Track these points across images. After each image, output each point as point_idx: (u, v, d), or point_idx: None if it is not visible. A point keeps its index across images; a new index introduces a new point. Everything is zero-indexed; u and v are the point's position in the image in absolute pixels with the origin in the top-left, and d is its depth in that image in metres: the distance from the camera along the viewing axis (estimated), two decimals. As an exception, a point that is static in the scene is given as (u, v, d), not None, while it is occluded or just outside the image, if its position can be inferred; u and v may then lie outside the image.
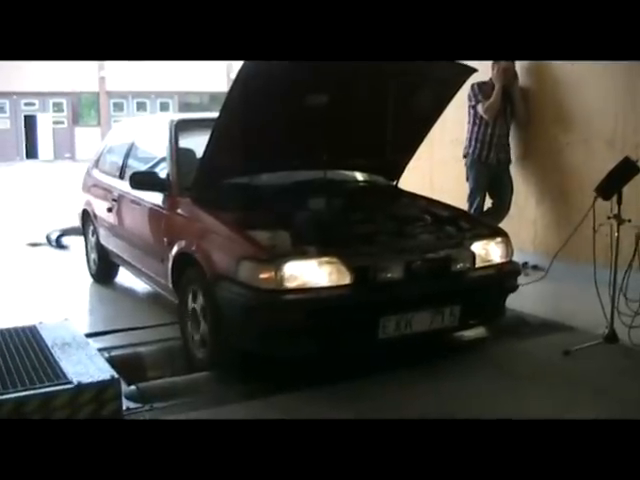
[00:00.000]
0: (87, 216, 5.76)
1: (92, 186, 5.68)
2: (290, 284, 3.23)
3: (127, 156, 5.09)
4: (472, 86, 5.61)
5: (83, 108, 28.48)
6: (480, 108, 5.68)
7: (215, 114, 3.77)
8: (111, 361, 3.29)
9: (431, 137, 4.60)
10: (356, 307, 3.32)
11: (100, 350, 3.47)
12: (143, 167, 4.74)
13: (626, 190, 3.85)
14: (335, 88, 3.82)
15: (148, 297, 5.15)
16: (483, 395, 3.34)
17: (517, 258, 4.08)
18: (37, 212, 9.84)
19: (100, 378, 2.79)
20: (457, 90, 4.25)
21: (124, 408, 2.97)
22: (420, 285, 3.47)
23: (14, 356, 3.03)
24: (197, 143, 4.09)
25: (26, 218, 9.29)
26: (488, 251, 3.79)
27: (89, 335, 3.85)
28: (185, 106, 27.50)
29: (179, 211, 3.99)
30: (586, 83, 5.26)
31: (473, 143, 5.78)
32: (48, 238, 7.37)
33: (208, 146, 3.70)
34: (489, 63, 5.61)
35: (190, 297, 3.72)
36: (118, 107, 27.59)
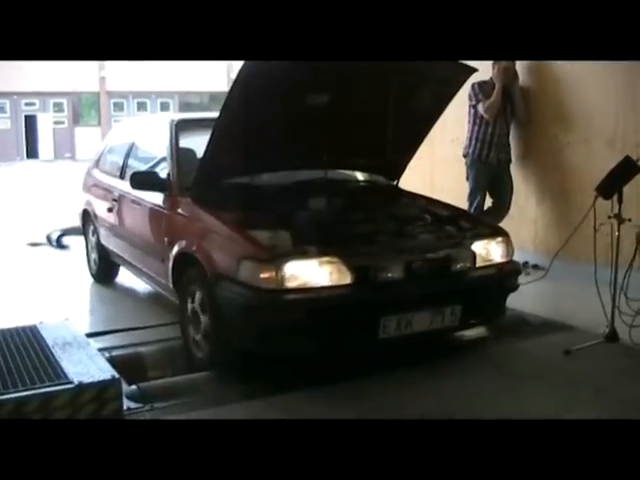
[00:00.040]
0: (87, 216, 5.76)
1: (92, 186, 5.68)
2: (291, 284, 3.23)
3: (127, 156, 5.09)
4: (472, 85, 5.61)
5: (83, 108, 28.47)
6: (480, 107, 5.68)
7: (215, 114, 3.77)
8: (112, 361, 3.29)
9: (432, 137, 4.60)
10: (357, 307, 3.32)
11: (101, 350, 3.47)
12: (143, 167, 4.74)
13: (627, 189, 3.85)
14: (335, 88, 3.82)
15: (149, 297, 5.15)
16: (484, 395, 3.34)
17: (517, 257, 4.08)
18: (37, 212, 9.84)
19: (101, 378, 2.79)
20: (457, 90, 4.25)
21: (125, 408, 2.97)
22: (421, 285, 3.47)
23: (15, 356, 3.03)
24: (197, 143, 4.09)
25: (26, 218, 9.29)
26: (489, 251, 3.79)
27: (90, 335, 3.86)
28: (185, 106, 27.50)
29: (180, 211, 3.99)
30: (586, 82, 5.26)
31: (473, 142, 5.78)
32: (49, 238, 7.37)
33: (208, 146, 3.70)
34: (489, 62, 5.61)
35: (190, 297, 3.72)
36: (118, 107, 27.59)
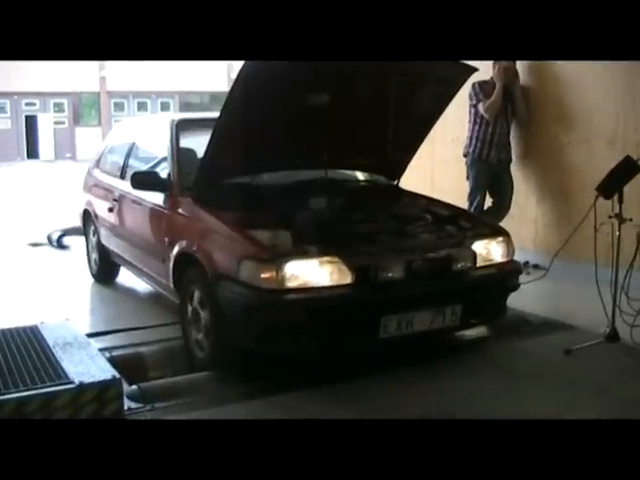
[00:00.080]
0: (88, 216, 5.76)
1: (93, 186, 5.68)
2: (291, 283, 3.23)
3: (128, 156, 5.09)
4: (473, 85, 5.61)
5: (84, 108, 28.48)
6: (481, 107, 5.68)
7: (216, 114, 3.77)
8: (112, 361, 3.30)
9: (432, 136, 4.60)
10: (357, 306, 3.32)
11: (101, 350, 3.47)
12: (144, 167, 4.75)
13: (627, 189, 3.85)
14: (336, 88, 3.81)
15: (149, 297, 5.15)
16: (484, 394, 3.34)
17: (518, 257, 4.08)
18: (38, 212, 9.84)
19: (101, 378, 2.80)
20: (458, 89, 4.25)
21: (125, 408, 2.97)
22: (421, 284, 3.47)
23: (16, 356, 3.03)
24: (198, 143, 4.09)
25: (27, 218, 9.29)
26: (489, 250, 3.79)
27: (90, 335, 3.86)
28: (186, 106, 27.50)
29: (180, 211, 3.99)
30: (587, 82, 5.26)
31: (474, 142, 5.78)
32: (49, 238, 7.37)
33: (209, 146, 3.70)
34: (490, 62, 5.60)
35: (191, 297, 3.72)
36: (119, 107, 27.59)
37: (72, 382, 2.74)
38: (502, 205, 5.79)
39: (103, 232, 5.38)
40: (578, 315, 4.34)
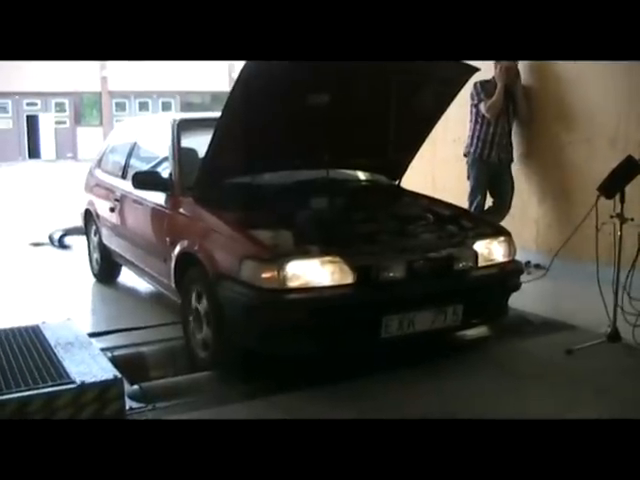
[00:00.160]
0: (90, 216, 5.76)
1: (94, 186, 5.69)
2: (292, 283, 3.23)
3: (129, 156, 5.09)
4: (474, 85, 5.61)
5: (85, 108, 28.50)
6: (482, 107, 5.68)
7: (217, 114, 3.77)
8: (114, 361, 3.30)
9: (433, 136, 4.60)
10: (358, 306, 3.32)
11: (103, 350, 3.47)
12: (145, 167, 4.75)
13: (629, 189, 3.84)
14: (337, 87, 3.81)
15: (151, 297, 5.16)
16: (485, 394, 3.34)
17: (519, 257, 4.08)
18: (40, 212, 9.85)
19: (103, 378, 2.80)
20: (459, 89, 4.24)
21: (127, 408, 2.97)
22: (423, 284, 3.47)
23: (17, 356, 3.04)
24: (199, 143, 4.10)
25: (29, 218, 9.30)
26: (491, 250, 3.79)
27: (92, 335, 3.86)
28: (187, 106, 27.52)
29: (181, 211, 3.99)
30: (588, 81, 5.25)
31: (475, 142, 5.77)
32: (51, 238, 7.38)
33: (210, 146, 3.70)
34: (491, 62, 5.60)
35: (193, 297, 3.72)
36: (120, 107, 27.61)
37: (73, 382, 2.74)
38: (502, 205, 5.78)
39: (104, 232, 5.38)
40: (579, 315, 4.34)
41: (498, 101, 5.61)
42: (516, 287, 3.88)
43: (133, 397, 3.24)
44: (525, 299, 4.33)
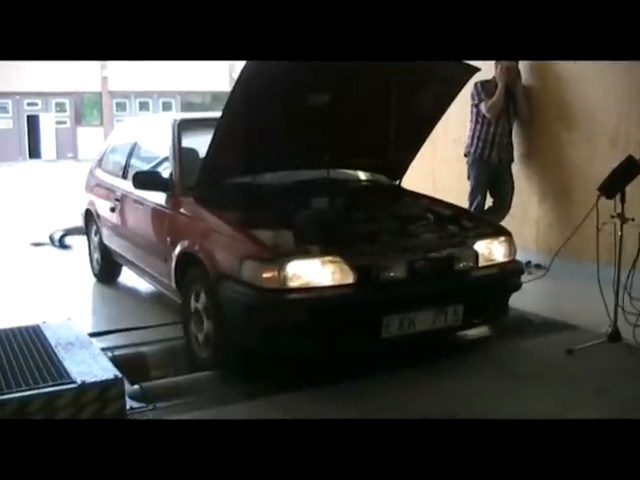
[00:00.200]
0: (90, 216, 5.76)
1: (95, 186, 5.69)
2: (293, 283, 3.23)
3: (130, 156, 5.09)
4: (475, 85, 5.60)
5: (86, 108, 28.51)
6: (483, 107, 5.68)
7: (217, 114, 3.77)
8: (114, 360, 3.30)
9: (434, 136, 4.60)
10: (359, 306, 3.32)
11: (103, 350, 3.47)
12: (146, 167, 4.75)
13: (629, 189, 3.84)
14: (337, 87, 3.81)
15: (151, 297, 5.16)
16: (486, 394, 3.34)
17: (520, 257, 4.08)
18: (40, 212, 9.86)
19: (103, 377, 2.80)
20: (460, 89, 4.24)
21: (127, 407, 2.97)
22: (423, 284, 3.47)
23: (18, 356, 3.04)
24: (200, 143, 4.10)
25: (29, 218, 9.30)
26: (491, 250, 3.79)
27: (92, 335, 3.86)
28: (187, 106, 27.53)
29: (182, 211, 3.99)
30: (589, 81, 5.25)
31: (475, 141, 5.77)
32: (51, 238, 7.38)
33: (211, 146, 3.70)
34: (492, 62, 5.60)
35: (193, 296, 3.72)
36: (121, 107, 27.63)
37: (74, 382, 2.74)
38: (502, 205, 5.78)
39: (105, 232, 5.38)
40: (580, 315, 4.34)
41: (499, 101, 5.61)
42: (517, 287, 3.88)
43: (134, 397, 3.25)
44: (526, 299, 4.32)
